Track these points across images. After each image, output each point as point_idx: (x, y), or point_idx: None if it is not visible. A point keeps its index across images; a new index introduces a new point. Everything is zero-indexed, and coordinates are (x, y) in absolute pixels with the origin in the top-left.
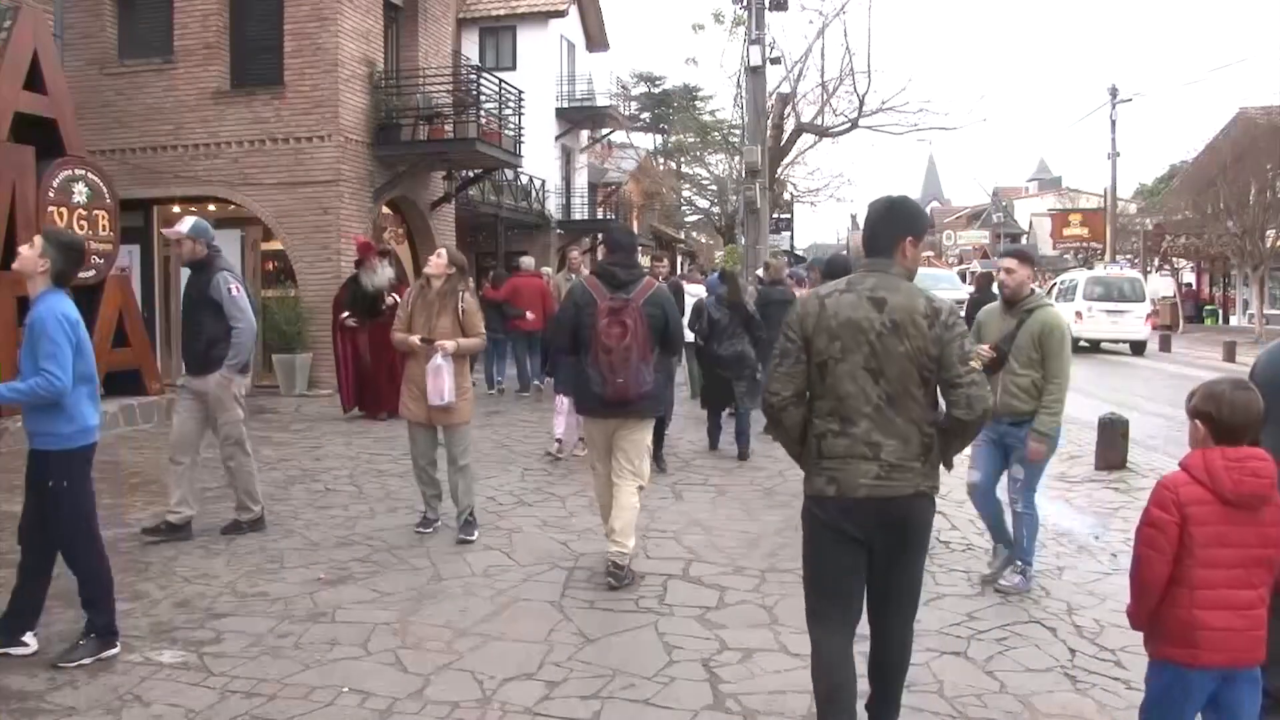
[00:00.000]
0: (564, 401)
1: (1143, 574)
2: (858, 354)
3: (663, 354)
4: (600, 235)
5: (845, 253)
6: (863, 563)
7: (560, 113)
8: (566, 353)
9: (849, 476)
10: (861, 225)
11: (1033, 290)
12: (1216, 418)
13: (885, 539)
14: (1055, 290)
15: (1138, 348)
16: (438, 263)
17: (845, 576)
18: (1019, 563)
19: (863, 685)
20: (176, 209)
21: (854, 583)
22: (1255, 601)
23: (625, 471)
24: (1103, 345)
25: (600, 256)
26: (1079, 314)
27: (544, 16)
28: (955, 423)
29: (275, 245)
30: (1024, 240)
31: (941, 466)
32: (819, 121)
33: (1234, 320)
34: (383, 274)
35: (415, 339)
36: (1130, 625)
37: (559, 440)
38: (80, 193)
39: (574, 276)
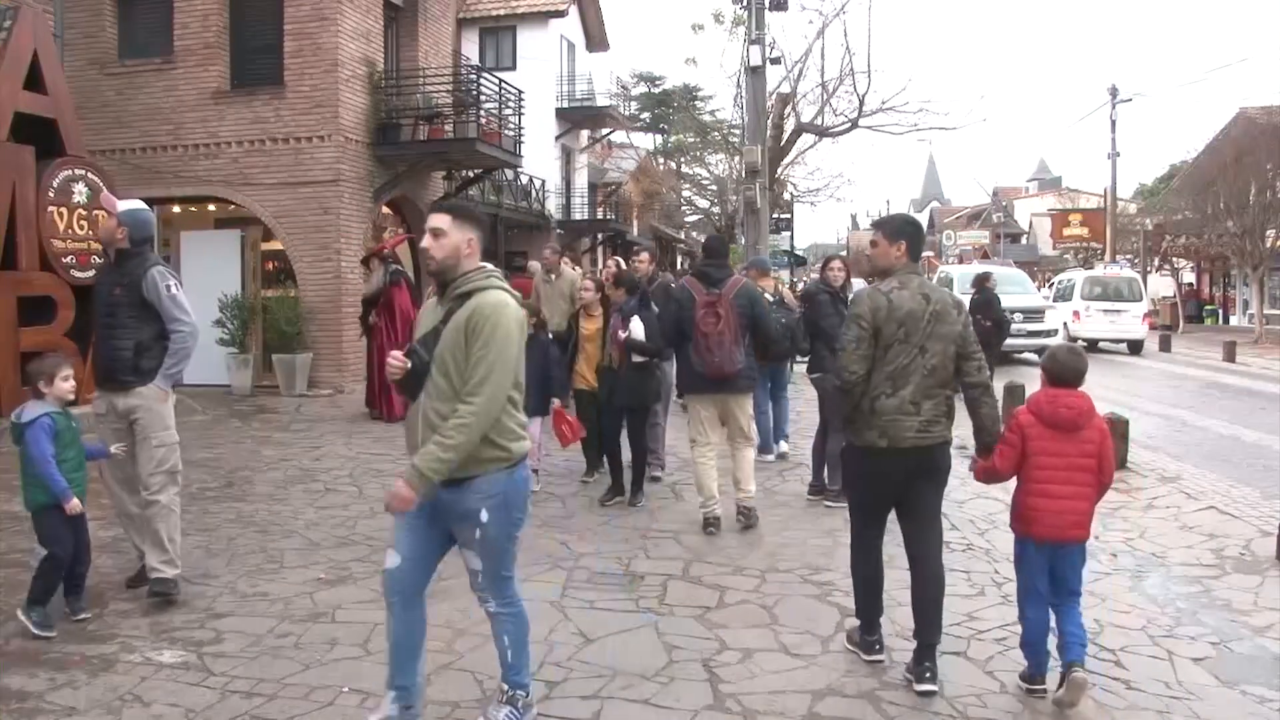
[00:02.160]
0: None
1: (997, 467)
2: (915, 336)
3: (754, 342)
4: (703, 240)
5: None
6: (890, 503)
7: (560, 113)
8: (674, 345)
9: (897, 430)
10: (909, 230)
11: (482, 266)
12: (1051, 370)
13: (921, 478)
14: (1054, 290)
15: (1135, 347)
16: None
17: (884, 505)
18: (507, 687)
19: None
20: (176, 209)
21: (887, 509)
22: (1074, 495)
23: (740, 438)
24: (1100, 345)
25: (698, 261)
26: (1076, 313)
27: (544, 16)
28: (978, 387)
29: (275, 245)
30: (1024, 241)
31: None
32: (819, 121)
33: (1234, 320)
34: (375, 279)
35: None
36: (985, 478)
37: (530, 467)
38: (80, 193)
39: (552, 277)
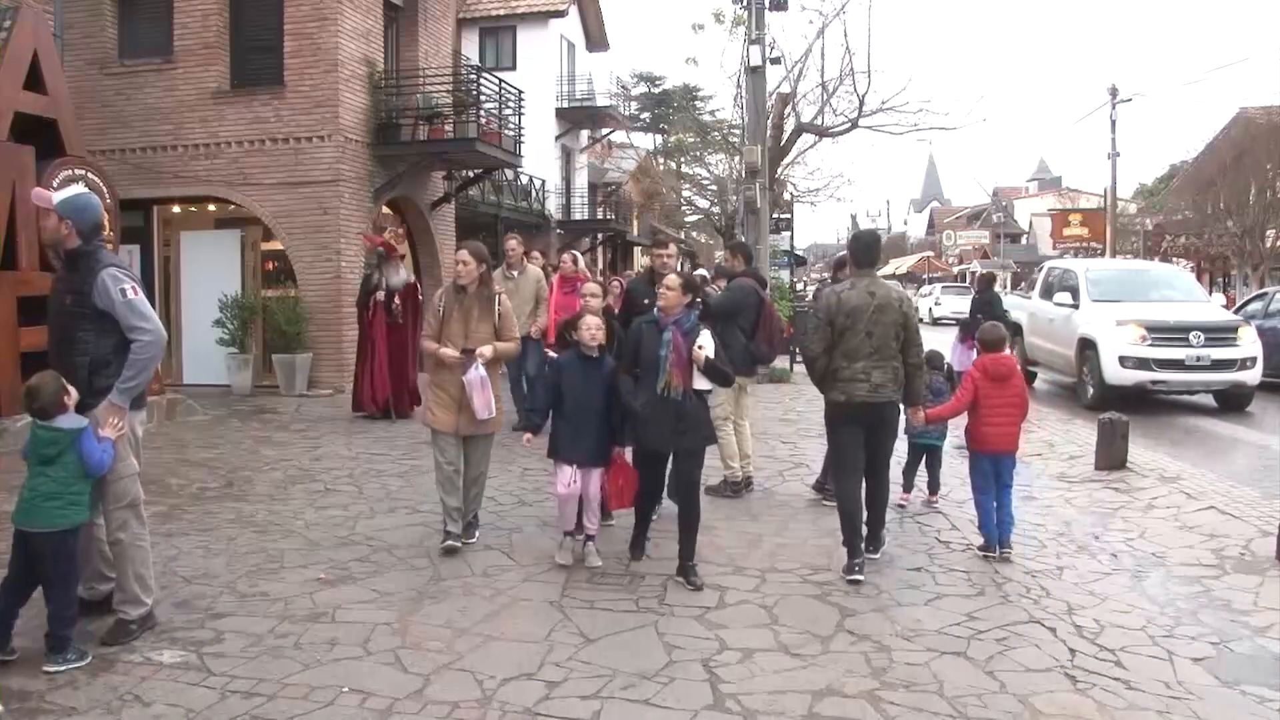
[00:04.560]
0: (571, 475)
1: (957, 408)
2: (860, 324)
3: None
4: (733, 246)
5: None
6: (860, 439)
7: (560, 113)
8: (749, 336)
9: (852, 391)
10: (854, 247)
11: None
12: (989, 341)
13: (872, 427)
14: None
15: None
16: (467, 270)
17: (854, 445)
18: None
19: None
20: (176, 209)
21: (858, 448)
22: (1009, 422)
23: (747, 413)
24: None
25: (739, 263)
26: None
27: (544, 16)
28: (912, 366)
29: (275, 245)
30: (1024, 241)
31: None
32: (819, 121)
33: None
34: (402, 273)
35: (451, 351)
36: (940, 416)
37: (585, 534)
38: None
39: (515, 274)
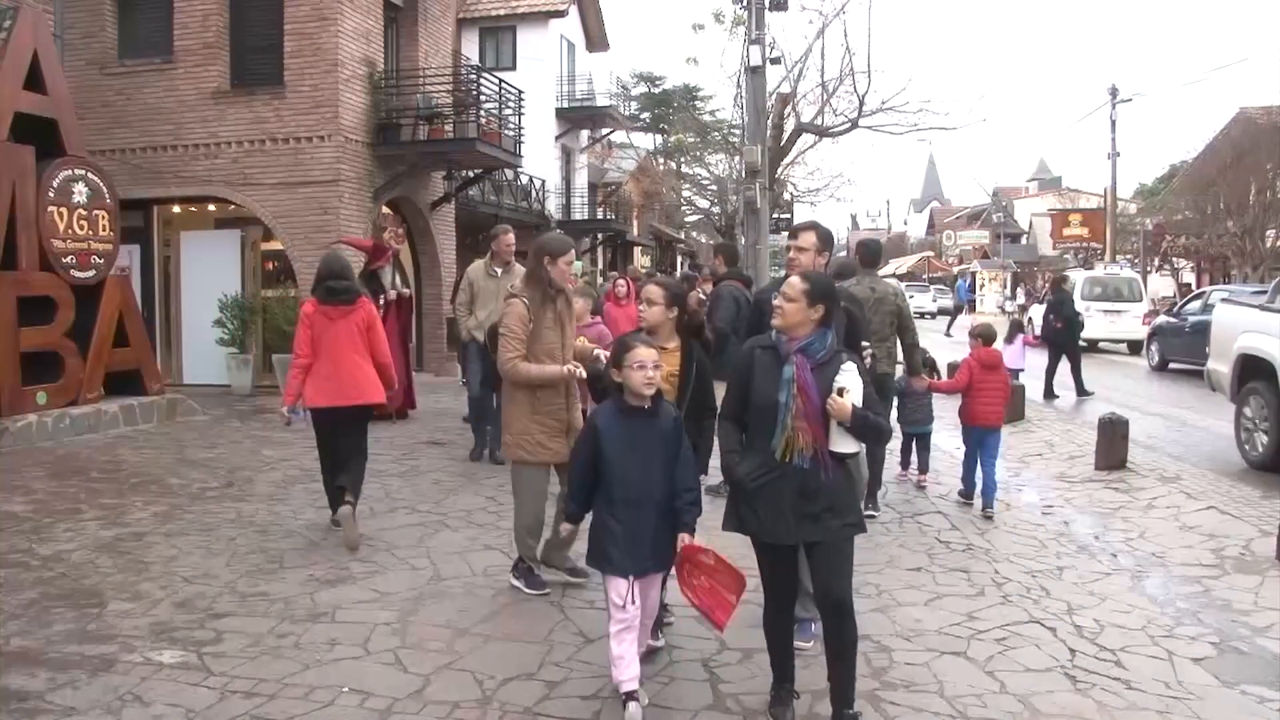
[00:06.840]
0: (630, 592)
1: (955, 387)
2: (865, 311)
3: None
4: (717, 247)
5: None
6: None
7: (560, 113)
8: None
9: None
10: (861, 251)
11: None
12: (983, 336)
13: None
14: None
15: (1135, 347)
16: (570, 271)
17: None
18: None
19: None
20: (176, 209)
21: None
22: (996, 403)
23: None
24: (1101, 345)
25: (721, 264)
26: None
27: (544, 16)
28: (909, 345)
29: (275, 245)
30: (1024, 241)
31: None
32: (819, 121)
33: None
34: (392, 276)
35: (571, 369)
36: (939, 389)
37: (633, 694)
38: (80, 193)
39: (498, 272)
